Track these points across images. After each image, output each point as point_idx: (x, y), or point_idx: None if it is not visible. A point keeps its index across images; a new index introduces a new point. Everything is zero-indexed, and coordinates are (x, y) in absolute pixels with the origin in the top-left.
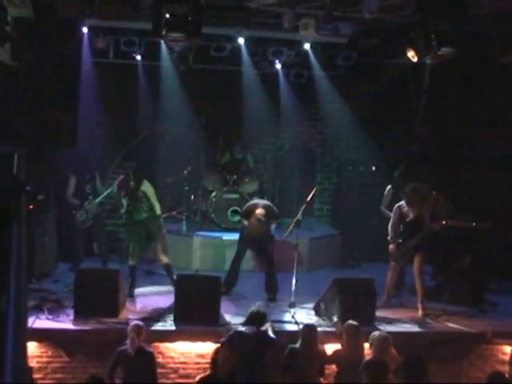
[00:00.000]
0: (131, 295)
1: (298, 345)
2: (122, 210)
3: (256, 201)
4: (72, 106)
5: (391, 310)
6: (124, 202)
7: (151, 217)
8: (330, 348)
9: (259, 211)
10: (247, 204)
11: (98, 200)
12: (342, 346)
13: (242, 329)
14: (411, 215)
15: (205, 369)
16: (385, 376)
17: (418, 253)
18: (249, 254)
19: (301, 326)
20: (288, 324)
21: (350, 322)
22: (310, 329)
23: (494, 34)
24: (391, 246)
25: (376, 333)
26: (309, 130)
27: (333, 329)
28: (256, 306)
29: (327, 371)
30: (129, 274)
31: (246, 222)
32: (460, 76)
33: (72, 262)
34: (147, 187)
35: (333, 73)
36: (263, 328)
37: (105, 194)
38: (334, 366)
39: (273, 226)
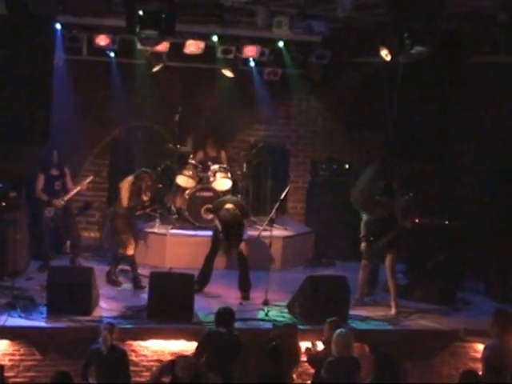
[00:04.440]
0: (142, 286)
1: (273, 343)
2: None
3: (227, 197)
4: (45, 103)
5: (364, 308)
6: None
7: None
8: (304, 346)
9: (229, 206)
10: (218, 200)
11: (66, 197)
12: (325, 344)
13: (215, 329)
14: (383, 213)
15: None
16: (355, 374)
17: (391, 251)
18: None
19: (276, 325)
20: (261, 322)
21: (332, 318)
22: (290, 327)
23: (466, 32)
24: (363, 244)
25: (340, 330)
26: (282, 128)
27: (306, 327)
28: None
29: (300, 369)
30: (129, 265)
31: (216, 217)
32: (433, 74)
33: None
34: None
35: (307, 71)
36: None
37: (75, 190)
38: (307, 364)
39: (246, 231)
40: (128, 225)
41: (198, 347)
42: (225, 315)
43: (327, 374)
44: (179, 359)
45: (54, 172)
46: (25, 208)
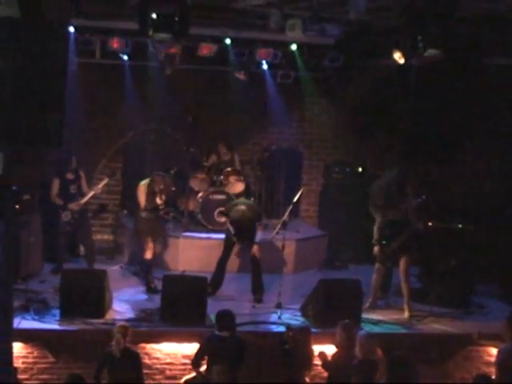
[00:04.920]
0: (154, 290)
1: (287, 346)
2: None
3: (240, 200)
4: (58, 107)
5: (377, 312)
6: None
7: None
8: (317, 349)
9: (241, 207)
10: (230, 202)
11: (83, 201)
12: (337, 347)
13: (217, 333)
14: (396, 216)
15: (191, 370)
16: (373, 376)
17: (404, 254)
18: (234, 254)
19: (290, 328)
20: (274, 325)
21: (345, 321)
22: (304, 330)
23: (480, 35)
24: (376, 248)
25: (362, 332)
26: (295, 131)
27: (319, 330)
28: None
29: (313, 372)
30: (143, 269)
31: (229, 219)
32: (446, 77)
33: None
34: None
35: (319, 74)
36: None
37: (90, 193)
38: (320, 367)
39: (259, 233)
40: (149, 228)
41: (197, 352)
42: (225, 318)
43: (355, 376)
44: (213, 367)
45: (70, 176)
46: (38, 211)
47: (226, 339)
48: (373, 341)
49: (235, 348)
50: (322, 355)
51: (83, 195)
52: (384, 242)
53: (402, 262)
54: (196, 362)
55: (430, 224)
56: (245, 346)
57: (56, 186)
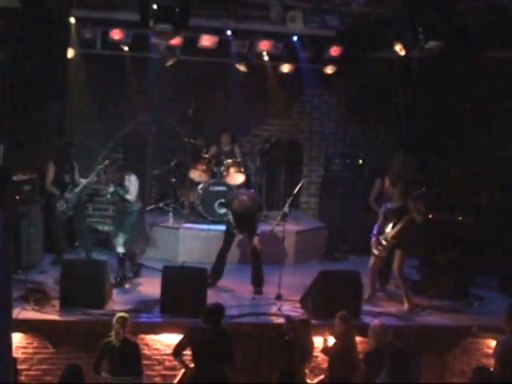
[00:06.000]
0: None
1: (286, 337)
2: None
3: (240, 190)
4: (59, 98)
5: (377, 304)
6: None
7: None
8: (317, 341)
9: (242, 197)
10: (230, 193)
11: (77, 190)
12: (336, 338)
13: (201, 324)
14: (393, 206)
15: (190, 361)
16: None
17: (399, 248)
18: (235, 245)
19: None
20: (274, 317)
21: (343, 312)
22: (304, 322)
23: (481, 27)
24: (373, 239)
25: (376, 322)
26: (296, 123)
27: (319, 322)
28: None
29: (312, 364)
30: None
31: (230, 209)
32: (447, 69)
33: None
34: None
35: (320, 66)
36: None
37: (85, 182)
38: (319, 359)
39: (259, 226)
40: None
41: (180, 342)
42: (212, 313)
43: (367, 365)
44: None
45: (65, 165)
46: (39, 202)
47: (210, 331)
48: (388, 331)
49: (219, 341)
50: (324, 342)
51: (76, 185)
52: (381, 237)
53: (397, 258)
54: (177, 351)
55: (430, 216)
56: (229, 340)
57: (51, 172)
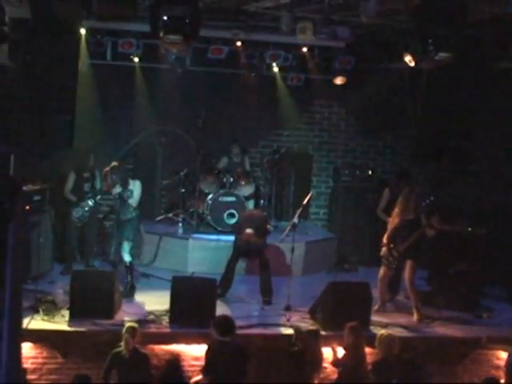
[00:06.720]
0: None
1: (295, 348)
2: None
3: (248, 213)
4: (69, 107)
5: (386, 315)
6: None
7: None
8: (326, 352)
9: (248, 231)
10: (238, 219)
11: (96, 198)
12: (345, 349)
13: (221, 338)
14: (406, 218)
15: (200, 372)
16: (391, 377)
17: (410, 259)
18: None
19: (299, 330)
20: (283, 327)
21: (352, 323)
22: (313, 333)
23: (491, 39)
24: (383, 249)
25: (383, 332)
26: (305, 134)
27: (328, 333)
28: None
29: (322, 375)
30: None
31: (239, 238)
32: (456, 81)
33: (64, 263)
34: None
35: (330, 77)
36: None
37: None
38: (329, 370)
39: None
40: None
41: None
42: (226, 323)
43: (374, 375)
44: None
45: (85, 174)
46: (49, 212)
47: (229, 344)
48: (395, 341)
49: (234, 355)
50: (334, 351)
51: (96, 194)
52: (392, 246)
53: (408, 269)
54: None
55: (440, 227)
56: (246, 354)
57: (71, 181)
